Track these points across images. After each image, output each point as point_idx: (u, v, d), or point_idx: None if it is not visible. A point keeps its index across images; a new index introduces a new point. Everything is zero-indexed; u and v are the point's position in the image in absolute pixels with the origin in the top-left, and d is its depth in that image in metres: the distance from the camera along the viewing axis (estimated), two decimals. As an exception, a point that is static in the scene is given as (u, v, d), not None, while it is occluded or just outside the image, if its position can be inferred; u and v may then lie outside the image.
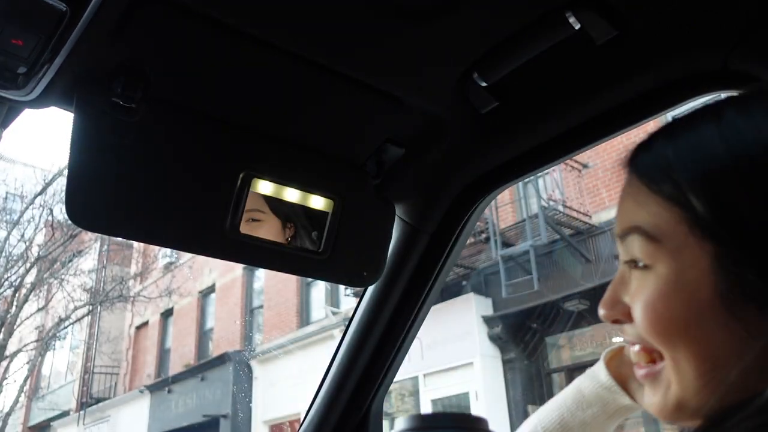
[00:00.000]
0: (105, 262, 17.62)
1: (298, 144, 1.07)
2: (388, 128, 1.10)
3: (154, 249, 16.81)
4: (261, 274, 15.38)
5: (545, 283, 9.27)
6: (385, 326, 1.28)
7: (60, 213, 13.50)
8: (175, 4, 0.82)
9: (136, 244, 15.77)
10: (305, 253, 1.08)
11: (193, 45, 0.89)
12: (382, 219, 1.17)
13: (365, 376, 1.29)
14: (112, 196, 0.92)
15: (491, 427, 0.86)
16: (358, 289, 1.39)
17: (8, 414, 14.97)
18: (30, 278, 14.14)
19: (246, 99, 0.99)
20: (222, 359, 14.53)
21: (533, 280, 9.21)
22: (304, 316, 13.83)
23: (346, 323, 1.33)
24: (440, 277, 1.27)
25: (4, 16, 0.75)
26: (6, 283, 13.69)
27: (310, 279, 12.33)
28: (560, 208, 9.56)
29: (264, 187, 1.03)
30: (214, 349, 15.80)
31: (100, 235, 13.36)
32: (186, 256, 16.12)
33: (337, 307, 12.80)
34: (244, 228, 1.01)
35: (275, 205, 1.06)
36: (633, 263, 0.60)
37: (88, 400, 18.76)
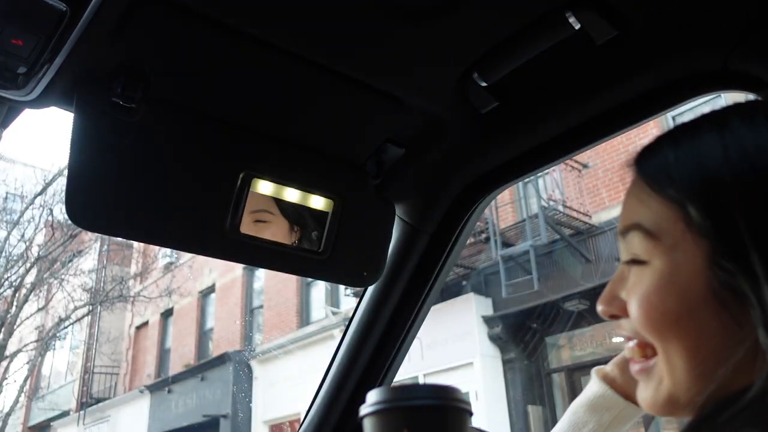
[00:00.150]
0: (105, 262, 17.62)
1: (298, 144, 1.07)
2: (388, 128, 1.10)
3: (154, 249, 16.81)
4: (261, 274, 15.38)
5: (545, 283, 9.27)
6: (385, 326, 1.28)
7: (60, 213, 13.50)
8: (175, 4, 0.82)
9: (136, 244, 15.77)
10: (305, 253, 1.08)
11: (193, 45, 0.89)
12: (382, 219, 1.17)
13: (365, 376, 1.29)
14: (112, 196, 0.92)
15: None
16: (358, 289, 1.39)
17: (8, 414, 14.97)
18: (30, 278, 14.13)
19: (246, 99, 0.99)
20: (222, 359, 14.53)
21: (533, 280, 9.21)
22: (304, 316, 13.83)
23: (346, 323, 1.33)
24: (440, 277, 1.27)
25: (4, 16, 0.75)
26: (6, 283, 13.69)
27: (310, 279, 12.33)
28: (560, 208, 9.56)
29: (264, 187, 1.03)
30: (214, 349, 15.80)
31: (100, 235, 13.37)
32: (186, 256, 16.11)
33: (337, 307, 12.80)
34: (249, 228, 1.01)
35: (284, 206, 1.06)
36: (632, 261, 0.62)
37: (88, 400, 18.76)
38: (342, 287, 11.58)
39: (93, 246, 17.45)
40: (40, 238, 14.69)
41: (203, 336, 16.94)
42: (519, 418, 9.74)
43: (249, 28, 0.87)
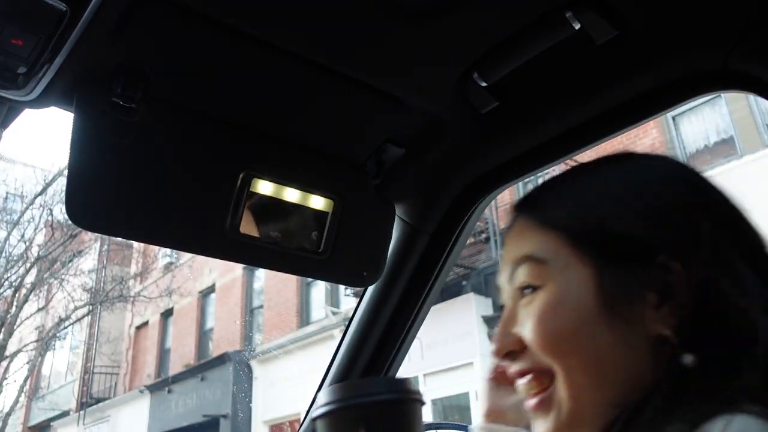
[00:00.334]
0: (105, 262, 17.62)
1: (298, 144, 1.07)
2: (388, 128, 1.10)
3: (154, 249, 16.81)
4: (261, 274, 15.38)
5: (545, 283, 9.25)
6: (385, 326, 1.28)
7: (60, 213, 13.50)
8: (175, 4, 0.82)
9: (136, 244, 15.77)
10: (305, 253, 1.08)
11: (193, 45, 0.89)
12: (382, 219, 1.17)
13: (365, 375, 1.29)
14: (112, 196, 0.92)
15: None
16: (358, 289, 1.39)
17: (8, 414, 14.98)
18: (30, 278, 14.14)
19: (246, 99, 0.99)
20: (222, 359, 14.52)
21: (533, 280, 9.19)
22: (304, 316, 13.83)
23: (346, 323, 1.33)
24: (440, 277, 1.27)
25: (4, 16, 0.75)
26: (6, 283, 13.69)
27: (310, 279, 12.33)
28: (560, 208, 9.55)
29: (264, 187, 1.03)
30: (214, 349, 15.80)
31: (100, 235, 13.37)
32: (186, 256, 16.12)
33: (337, 307, 12.80)
34: (245, 228, 1.01)
35: (284, 206, 1.06)
36: (521, 292, 0.68)
37: (88, 400, 18.76)
38: (342, 287, 11.58)
39: (93, 246, 17.46)
40: (40, 238, 14.69)
41: (203, 336, 16.94)
42: (519, 418, 9.73)
43: (249, 28, 0.87)
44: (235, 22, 0.85)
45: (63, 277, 14.89)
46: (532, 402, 0.65)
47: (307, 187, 1.07)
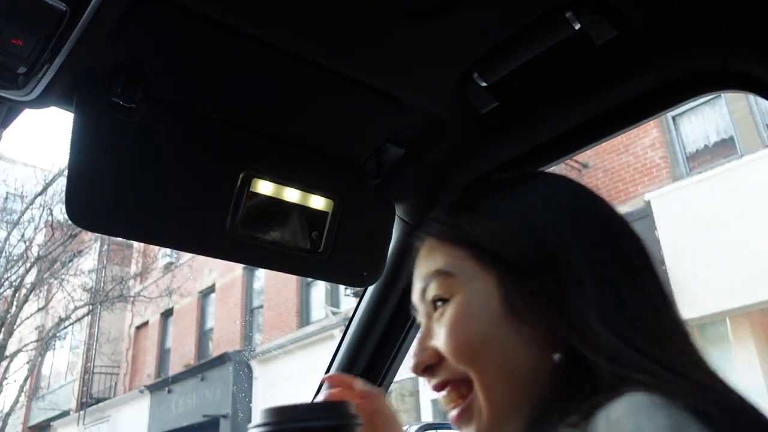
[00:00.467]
0: (105, 262, 17.62)
1: (298, 144, 1.07)
2: (388, 128, 1.10)
3: (154, 249, 16.81)
4: (261, 274, 15.38)
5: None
6: (385, 326, 1.28)
7: (60, 213, 13.50)
8: (175, 4, 0.82)
9: (136, 244, 15.78)
10: (305, 253, 1.08)
11: (193, 45, 0.89)
12: (382, 219, 1.17)
13: (365, 376, 1.29)
14: (112, 196, 0.92)
15: None
16: (358, 289, 1.39)
17: (8, 414, 14.97)
18: (30, 278, 14.14)
19: (246, 99, 0.99)
20: (222, 359, 14.52)
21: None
22: (304, 316, 13.83)
23: (346, 323, 1.33)
24: (440, 277, 1.27)
25: (4, 16, 0.75)
26: (6, 283, 13.69)
27: (310, 279, 12.33)
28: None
29: (264, 187, 1.03)
30: (214, 349, 15.80)
31: (100, 235, 13.37)
32: (186, 256, 16.11)
33: (337, 307, 12.80)
34: (245, 228, 1.01)
35: (284, 206, 1.06)
36: (434, 306, 0.71)
37: (88, 400, 18.76)
38: (342, 287, 11.58)
39: (93, 246, 17.45)
40: (40, 238, 14.69)
41: (203, 336, 16.94)
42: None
43: (249, 28, 0.87)
44: (235, 22, 0.86)
45: (63, 277, 14.89)
46: (453, 413, 0.69)
47: (307, 187, 1.07)
